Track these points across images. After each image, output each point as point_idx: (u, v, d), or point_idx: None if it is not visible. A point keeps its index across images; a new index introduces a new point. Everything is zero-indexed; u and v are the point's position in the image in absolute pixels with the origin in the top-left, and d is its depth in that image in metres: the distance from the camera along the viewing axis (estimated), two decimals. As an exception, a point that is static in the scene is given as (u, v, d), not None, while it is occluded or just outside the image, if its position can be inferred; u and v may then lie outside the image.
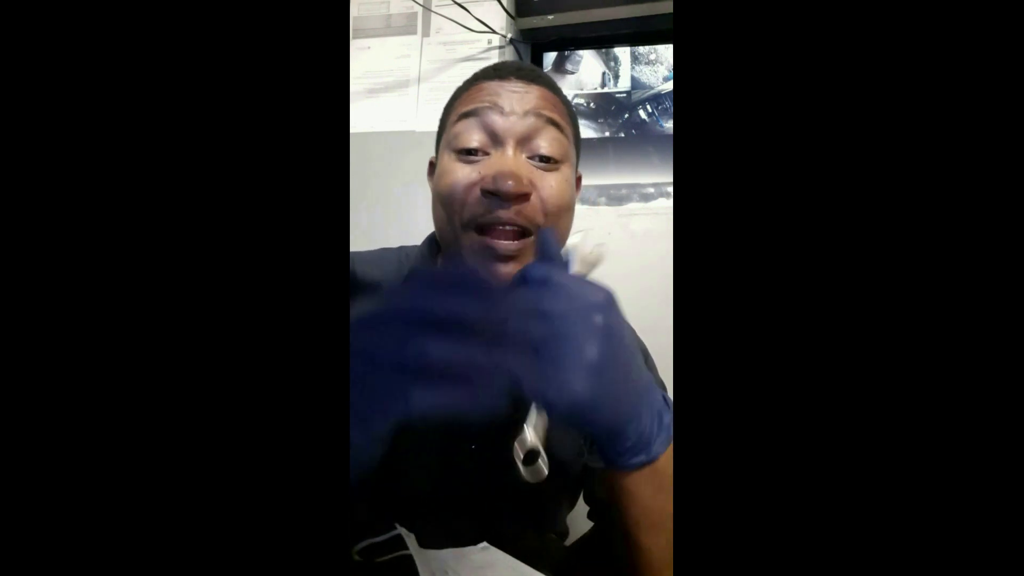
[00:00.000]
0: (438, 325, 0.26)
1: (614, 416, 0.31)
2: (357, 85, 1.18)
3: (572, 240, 0.34)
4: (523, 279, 0.32)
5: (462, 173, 0.42)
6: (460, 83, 0.49)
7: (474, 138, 0.43)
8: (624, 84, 1.16)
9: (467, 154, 0.43)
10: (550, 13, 1.09)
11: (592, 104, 1.17)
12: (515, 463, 0.31)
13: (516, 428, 0.31)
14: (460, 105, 0.45)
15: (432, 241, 0.53)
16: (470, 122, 0.43)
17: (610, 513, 0.37)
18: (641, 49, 1.15)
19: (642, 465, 0.33)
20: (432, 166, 0.51)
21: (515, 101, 0.43)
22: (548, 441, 0.32)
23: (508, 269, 0.41)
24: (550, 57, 1.19)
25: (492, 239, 0.41)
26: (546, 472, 0.31)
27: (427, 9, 1.14)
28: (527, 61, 1.17)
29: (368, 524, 0.38)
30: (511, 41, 1.12)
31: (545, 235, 0.38)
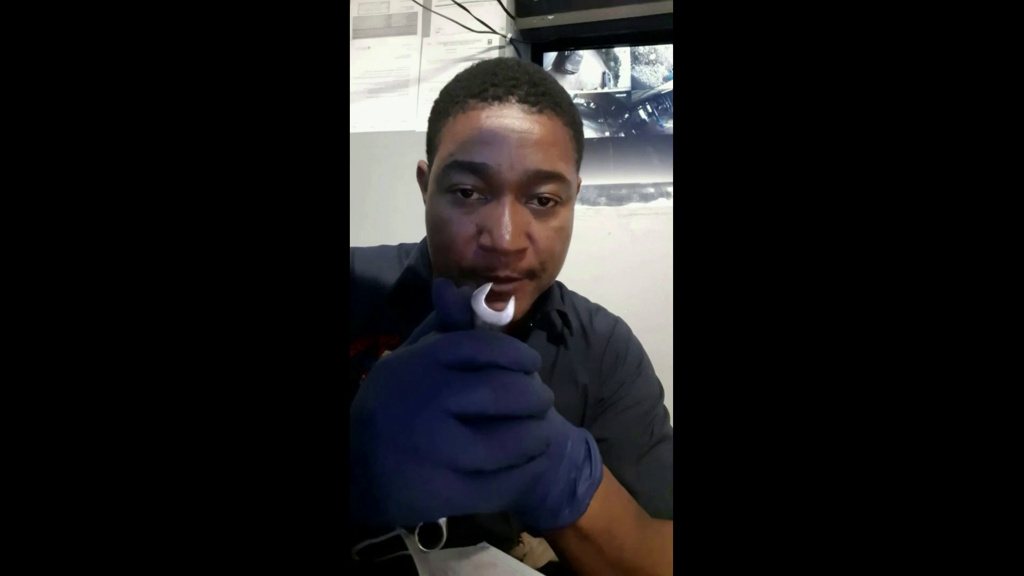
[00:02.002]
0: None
1: (518, 495, 0.28)
2: (357, 85, 1.18)
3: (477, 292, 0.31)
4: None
5: (458, 220, 0.40)
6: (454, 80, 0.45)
7: (468, 181, 0.40)
8: (624, 84, 1.16)
9: (463, 194, 0.40)
10: (550, 13, 1.09)
11: (592, 104, 1.17)
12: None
13: None
14: (456, 134, 0.41)
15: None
16: (465, 173, 0.39)
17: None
18: (641, 49, 1.15)
19: (552, 528, 0.32)
20: (421, 172, 0.49)
21: (514, 145, 0.39)
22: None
23: (502, 306, 0.37)
24: (550, 57, 1.19)
25: (489, 281, 0.39)
26: (443, 541, 0.29)
27: (427, 9, 1.15)
28: (530, 62, 1.17)
29: (366, 525, 0.38)
30: (511, 41, 1.13)
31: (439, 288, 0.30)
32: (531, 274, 0.41)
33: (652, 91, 1.15)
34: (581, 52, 1.19)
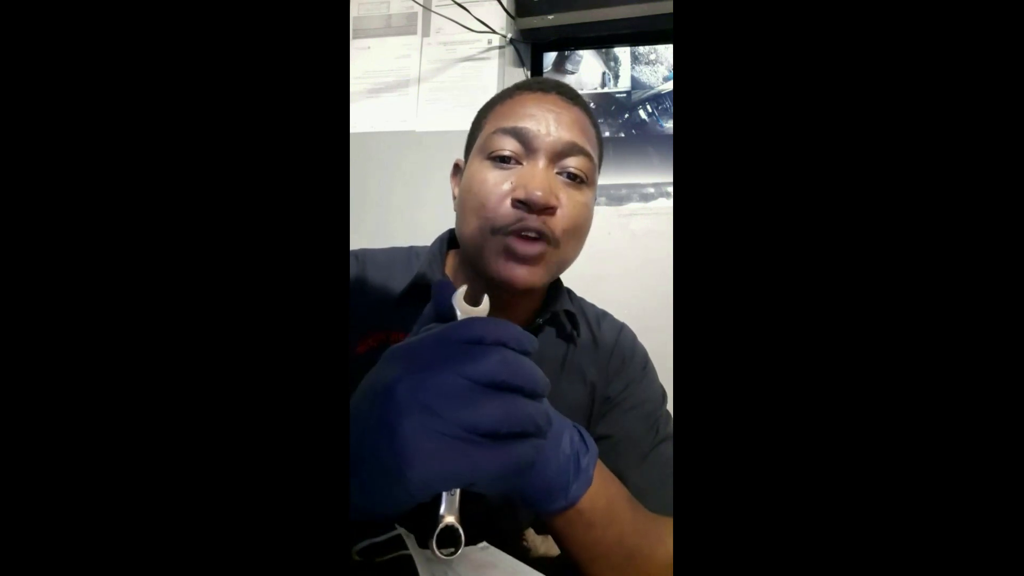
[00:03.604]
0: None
1: (536, 478, 0.32)
2: (357, 85, 1.18)
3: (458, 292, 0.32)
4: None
5: (495, 180, 0.44)
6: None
7: (509, 146, 0.44)
8: (624, 84, 1.16)
9: (501, 161, 0.45)
10: (550, 13, 1.09)
11: (592, 104, 1.17)
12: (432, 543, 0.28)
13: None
14: (499, 114, 0.47)
15: (443, 242, 0.54)
16: (507, 136, 0.45)
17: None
18: (641, 49, 1.15)
19: (563, 509, 0.33)
20: (457, 168, 0.53)
21: (552, 120, 0.45)
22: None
23: (524, 272, 0.44)
24: (550, 57, 1.19)
25: (514, 241, 0.43)
26: (462, 547, 0.28)
27: (427, 9, 1.14)
28: (527, 62, 1.17)
29: (368, 524, 0.38)
30: (511, 41, 1.13)
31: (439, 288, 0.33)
32: (554, 241, 0.44)
33: (652, 91, 1.15)
34: (581, 52, 1.18)
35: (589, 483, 0.34)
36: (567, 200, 0.44)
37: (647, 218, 1.07)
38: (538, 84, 0.48)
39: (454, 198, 0.51)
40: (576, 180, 0.45)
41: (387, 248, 0.57)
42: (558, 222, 0.44)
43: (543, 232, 0.43)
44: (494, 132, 0.46)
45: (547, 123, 0.45)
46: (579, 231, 0.46)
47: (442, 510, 0.28)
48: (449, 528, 0.28)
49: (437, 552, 0.27)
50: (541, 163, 0.44)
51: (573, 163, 0.45)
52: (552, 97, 0.47)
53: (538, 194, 0.42)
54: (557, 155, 0.45)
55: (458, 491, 0.28)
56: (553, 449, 0.33)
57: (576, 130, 0.46)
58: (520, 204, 0.43)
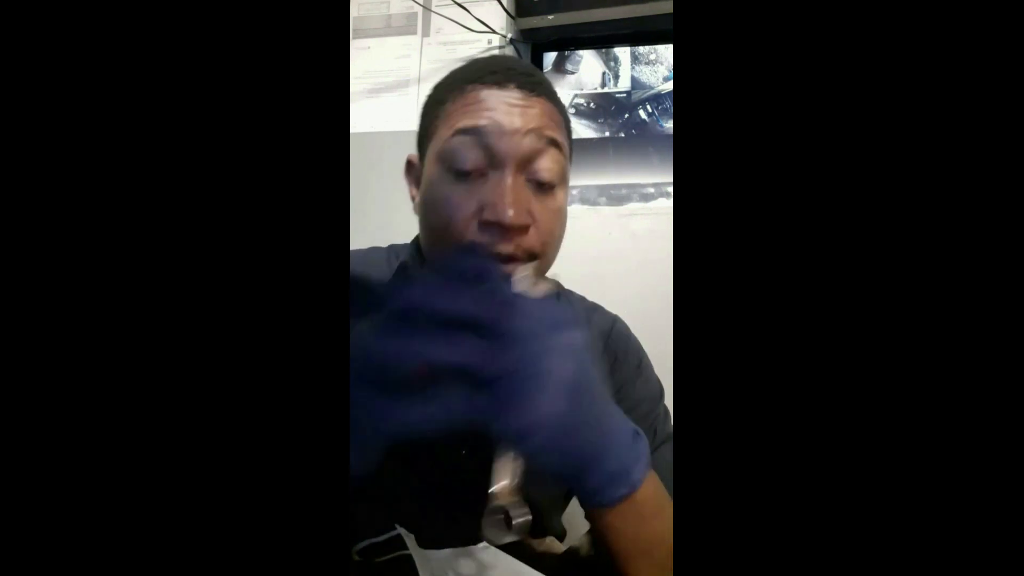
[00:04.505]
0: (439, 326, 0.26)
1: (588, 446, 0.30)
2: (357, 85, 1.18)
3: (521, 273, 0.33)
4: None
5: (459, 198, 0.40)
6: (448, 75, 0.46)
7: (471, 158, 0.39)
8: (624, 84, 1.16)
9: (462, 175, 0.40)
10: (550, 13, 1.09)
11: (592, 104, 1.17)
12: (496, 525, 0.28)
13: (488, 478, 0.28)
14: (455, 113, 0.42)
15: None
16: (467, 140, 0.39)
17: (598, 543, 0.36)
18: (641, 49, 1.15)
19: (624, 498, 0.31)
20: (411, 165, 0.48)
21: (516, 117, 0.40)
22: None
23: None
24: (550, 57, 1.19)
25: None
26: (529, 520, 0.28)
27: (427, 9, 1.14)
28: (527, 61, 1.17)
29: (368, 524, 0.38)
30: (511, 41, 1.12)
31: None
32: (531, 255, 0.41)
33: (652, 91, 1.15)
34: (581, 52, 1.18)
35: (649, 467, 0.32)
36: (540, 212, 0.40)
37: (647, 218, 1.07)
38: (492, 75, 0.41)
39: (412, 199, 0.47)
40: (547, 186, 0.41)
41: (365, 248, 0.55)
42: (532, 239, 0.40)
43: (517, 255, 0.39)
44: (452, 135, 0.40)
45: (511, 123, 0.39)
46: (556, 238, 0.43)
47: (499, 483, 0.27)
48: (513, 507, 0.27)
49: (509, 532, 0.27)
50: (508, 175, 0.39)
51: (544, 166, 0.40)
52: (511, 91, 0.41)
53: (509, 214, 0.37)
54: (525, 161, 0.40)
55: (510, 456, 0.28)
56: (620, 429, 0.31)
57: (544, 127, 0.41)
58: (489, 225, 0.38)
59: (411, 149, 0.48)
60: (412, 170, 0.48)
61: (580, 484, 0.31)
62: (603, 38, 1.15)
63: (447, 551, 0.38)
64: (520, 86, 0.41)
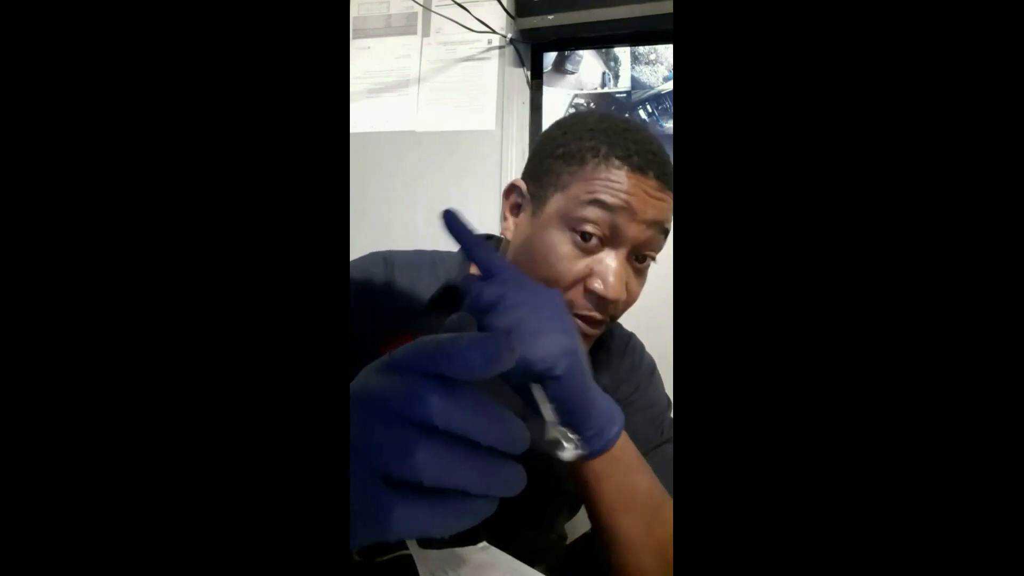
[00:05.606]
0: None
1: (589, 392, 0.35)
2: (357, 85, 1.18)
3: None
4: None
5: (572, 257, 0.44)
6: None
7: (597, 228, 0.43)
8: (624, 84, 1.16)
9: (582, 237, 0.44)
10: (550, 13, 1.09)
11: (592, 104, 1.17)
12: (554, 452, 0.33)
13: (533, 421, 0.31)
14: (595, 181, 0.44)
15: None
16: (601, 214, 0.43)
17: (584, 501, 0.40)
18: (641, 49, 1.15)
19: (603, 449, 0.36)
20: (516, 189, 0.50)
21: (649, 212, 0.44)
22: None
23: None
24: (550, 57, 1.19)
25: (579, 322, 0.45)
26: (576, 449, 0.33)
27: (427, 9, 1.15)
28: (527, 62, 1.17)
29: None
30: (511, 41, 1.13)
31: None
32: (614, 319, 0.48)
33: (652, 91, 1.15)
34: (581, 52, 1.18)
35: (623, 423, 0.37)
36: (633, 286, 0.46)
37: (647, 218, 1.07)
38: (638, 160, 0.44)
39: (504, 219, 0.50)
40: (645, 262, 0.46)
41: (411, 251, 0.57)
42: (621, 306, 0.46)
43: (605, 319, 0.45)
44: (584, 203, 0.43)
45: (643, 214, 0.43)
46: (634, 302, 0.48)
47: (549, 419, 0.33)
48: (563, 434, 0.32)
49: (563, 453, 0.33)
50: (622, 255, 0.44)
51: (652, 251, 0.46)
52: (652, 182, 0.44)
53: (615, 291, 0.43)
54: (640, 246, 0.45)
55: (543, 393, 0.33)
56: (602, 394, 0.37)
57: (667, 220, 0.46)
58: (592, 293, 0.44)
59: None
60: (515, 195, 0.50)
61: (579, 429, 0.35)
62: (603, 38, 1.16)
63: (447, 551, 0.38)
64: (658, 177, 0.45)
